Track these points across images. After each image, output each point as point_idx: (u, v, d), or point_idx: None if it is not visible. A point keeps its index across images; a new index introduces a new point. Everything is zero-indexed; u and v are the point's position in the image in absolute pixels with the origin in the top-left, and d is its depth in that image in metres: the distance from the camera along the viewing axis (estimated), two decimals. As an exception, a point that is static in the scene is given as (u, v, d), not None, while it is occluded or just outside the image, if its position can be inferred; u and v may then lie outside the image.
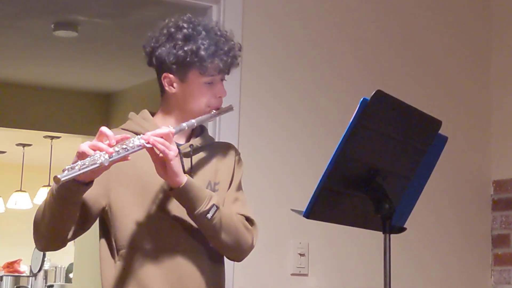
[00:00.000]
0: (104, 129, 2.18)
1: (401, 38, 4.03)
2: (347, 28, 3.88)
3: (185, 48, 2.33)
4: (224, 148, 2.52)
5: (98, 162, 2.08)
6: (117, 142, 2.17)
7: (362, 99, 2.05)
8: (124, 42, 5.89)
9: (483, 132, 4.20)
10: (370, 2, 3.97)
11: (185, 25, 2.37)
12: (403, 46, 4.03)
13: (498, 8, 4.28)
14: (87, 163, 2.08)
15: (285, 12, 3.73)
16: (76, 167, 2.07)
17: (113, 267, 2.35)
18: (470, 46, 4.24)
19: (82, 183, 2.16)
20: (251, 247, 2.43)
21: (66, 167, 2.08)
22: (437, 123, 2.28)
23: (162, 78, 2.40)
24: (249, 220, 2.43)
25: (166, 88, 2.40)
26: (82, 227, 2.33)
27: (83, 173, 2.08)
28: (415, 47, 4.07)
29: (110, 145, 2.14)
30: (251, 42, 3.58)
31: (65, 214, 2.23)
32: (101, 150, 2.12)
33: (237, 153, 2.53)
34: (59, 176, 2.05)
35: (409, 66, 4.04)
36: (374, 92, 2.06)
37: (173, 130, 2.27)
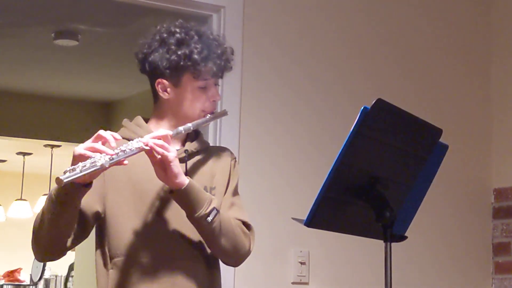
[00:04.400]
0: (102, 132, 2.17)
1: (401, 46, 4.04)
2: (348, 36, 3.89)
3: (178, 53, 2.33)
4: (220, 152, 2.51)
5: (98, 164, 2.08)
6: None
7: (362, 107, 2.05)
8: (125, 51, 5.86)
9: (484, 140, 4.20)
10: (370, 11, 3.98)
11: (177, 30, 2.37)
12: (403, 55, 4.04)
13: (498, 17, 4.29)
14: (88, 165, 2.08)
15: (285, 21, 3.73)
16: (77, 169, 2.07)
17: (105, 275, 2.34)
18: (471, 54, 4.25)
19: (81, 184, 2.16)
20: (248, 252, 2.42)
21: (67, 169, 2.07)
22: (438, 132, 2.28)
23: (156, 84, 2.39)
24: (246, 225, 2.42)
25: (160, 93, 2.39)
26: (80, 235, 2.32)
27: (85, 175, 2.08)
28: (416, 56, 4.07)
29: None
30: (251, 51, 3.59)
31: (65, 219, 2.21)
32: (101, 152, 2.11)
33: (233, 157, 2.52)
34: (61, 177, 2.04)
35: (410, 74, 4.04)
36: (374, 101, 2.06)
37: (171, 133, 2.27)
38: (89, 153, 2.11)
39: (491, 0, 4.31)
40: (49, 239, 2.26)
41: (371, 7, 3.98)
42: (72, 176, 2.06)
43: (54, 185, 2.19)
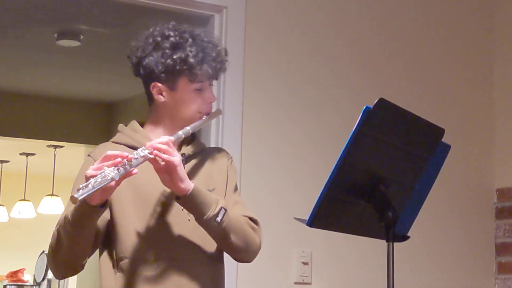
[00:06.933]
0: (109, 152, 2.19)
1: (403, 46, 4.04)
2: (350, 37, 3.88)
3: (174, 57, 2.33)
4: (216, 153, 2.52)
5: (109, 177, 2.10)
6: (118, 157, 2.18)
7: (365, 107, 2.05)
8: (127, 51, 5.89)
9: (486, 140, 4.20)
10: (372, 12, 3.97)
11: (171, 33, 2.38)
12: (405, 54, 4.04)
13: (501, 18, 4.29)
14: (99, 180, 2.09)
15: (287, 22, 3.73)
16: (90, 185, 2.08)
17: (113, 278, 2.34)
18: (474, 54, 4.24)
19: (97, 206, 2.17)
20: (259, 247, 2.43)
21: (80, 186, 2.09)
22: (440, 131, 2.27)
23: (151, 88, 2.40)
24: (253, 220, 2.43)
25: (155, 97, 2.40)
26: (95, 246, 2.34)
27: (98, 190, 2.09)
28: (418, 55, 4.07)
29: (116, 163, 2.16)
30: (253, 51, 3.59)
31: (82, 239, 2.24)
32: (108, 166, 2.13)
33: (229, 156, 2.53)
34: (75, 195, 2.06)
35: (412, 74, 4.04)
36: (376, 100, 2.06)
37: (172, 139, 2.28)
38: (97, 173, 2.13)
39: (494, 2, 4.31)
40: (70, 258, 2.29)
41: (373, 8, 3.97)
42: (86, 192, 2.07)
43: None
